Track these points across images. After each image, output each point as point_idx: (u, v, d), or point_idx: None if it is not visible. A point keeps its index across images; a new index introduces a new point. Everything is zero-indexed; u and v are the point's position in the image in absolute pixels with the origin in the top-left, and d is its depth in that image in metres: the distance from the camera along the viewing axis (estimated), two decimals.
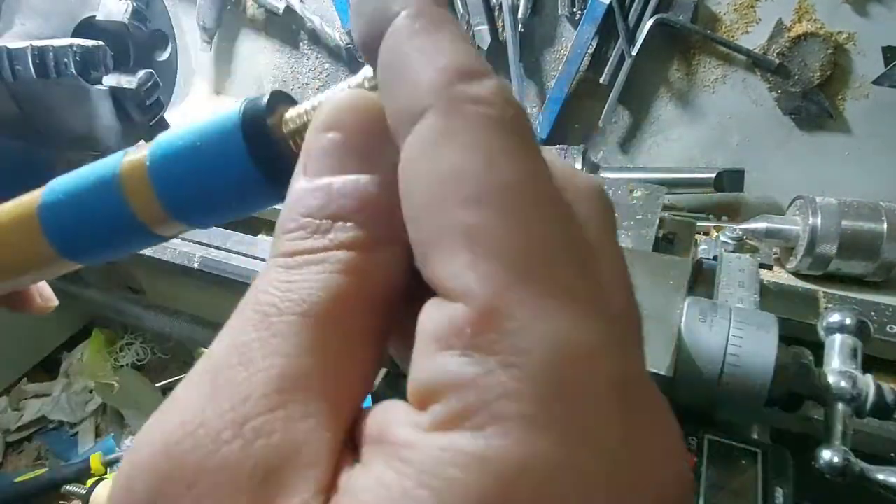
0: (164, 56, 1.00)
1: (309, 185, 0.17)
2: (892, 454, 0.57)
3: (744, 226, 0.80)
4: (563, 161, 0.18)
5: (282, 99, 0.23)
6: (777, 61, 0.86)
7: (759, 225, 0.80)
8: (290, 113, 0.22)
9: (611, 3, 0.88)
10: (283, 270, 0.16)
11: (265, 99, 0.22)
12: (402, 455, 0.13)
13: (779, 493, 0.43)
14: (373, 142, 0.18)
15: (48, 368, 1.24)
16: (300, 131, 0.21)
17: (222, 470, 0.14)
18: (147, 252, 0.87)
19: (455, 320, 0.13)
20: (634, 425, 0.13)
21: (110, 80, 0.86)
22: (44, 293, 0.41)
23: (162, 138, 0.23)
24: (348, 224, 0.17)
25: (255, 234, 0.93)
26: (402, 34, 0.16)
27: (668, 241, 0.65)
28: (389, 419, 0.14)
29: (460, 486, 0.12)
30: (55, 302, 0.41)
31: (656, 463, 0.13)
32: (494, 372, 0.13)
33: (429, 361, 0.14)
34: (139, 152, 0.24)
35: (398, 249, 0.17)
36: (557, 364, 0.13)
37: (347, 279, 0.16)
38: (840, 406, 0.47)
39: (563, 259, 0.14)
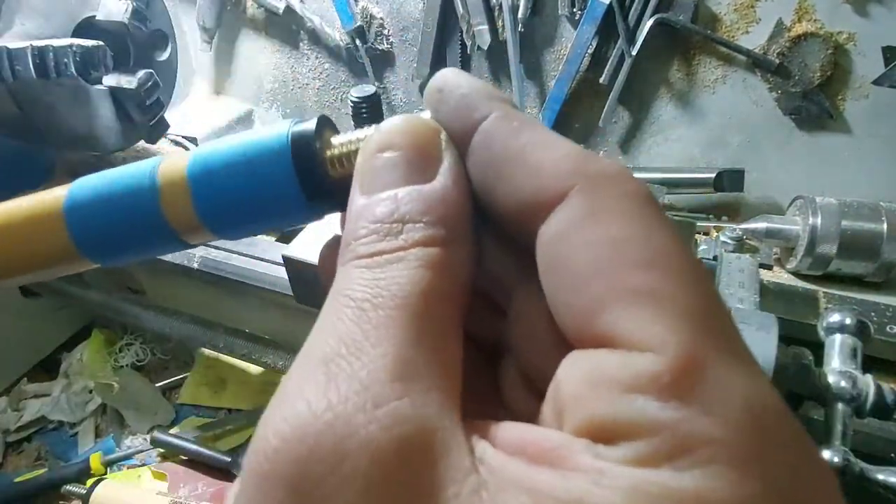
0: (164, 56, 1.00)
1: (370, 199, 0.19)
2: (893, 454, 0.57)
3: (744, 226, 0.80)
4: None
5: (325, 124, 0.23)
6: (777, 61, 0.86)
7: (759, 225, 0.80)
8: (338, 139, 0.23)
9: (611, 4, 0.88)
10: (365, 270, 0.18)
11: (314, 123, 0.23)
12: (593, 479, 0.14)
13: None
14: (427, 157, 0.20)
15: (48, 369, 1.24)
16: (344, 157, 0.23)
17: (366, 451, 0.15)
18: None
19: (649, 368, 0.15)
20: (817, 473, 0.15)
21: (110, 80, 0.86)
22: None
23: (203, 150, 0.24)
24: (418, 225, 0.18)
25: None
26: (505, 132, 0.19)
27: None
28: (551, 441, 0.15)
29: None
30: None
31: None
32: (697, 419, 0.14)
33: (617, 402, 0.15)
34: (178, 161, 0.24)
35: (466, 248, 0.19)
36: (757, 416, 0.14)
37: (430, 273, 0.18)
38: (840, 406, 0.47)
39: (727, 316, 0.16)
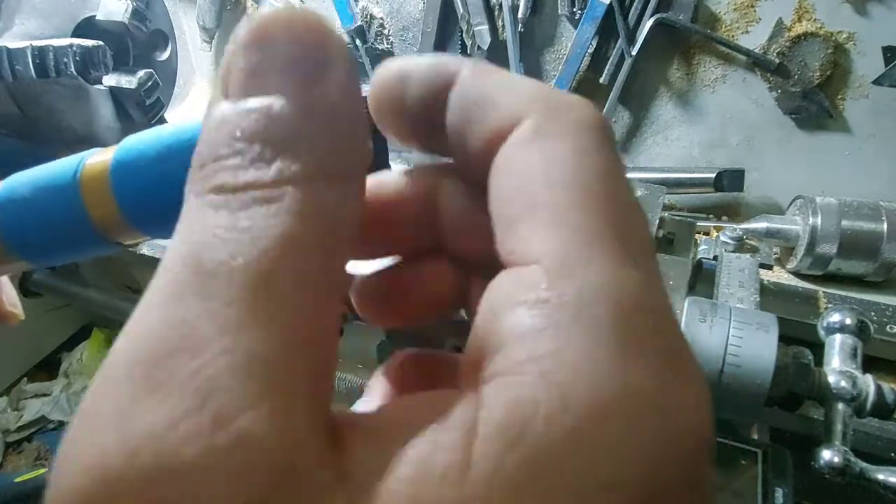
0: (164, 56, 1.00)
1: (237, 106, 0.14)
2: (893, 454, 0.57)
3: (744, 226, 0.80)
4: None
5: None
6: (777, 61, 0.86)
7: (759, 225, 0.80)
8: None
9: (611, 3, 0.88)
10: (225, 213, 0.13)
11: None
12: (468, 417, 0.13)
13: (779, 493, 0.43)
14: (315, 59, 0.15)
15: (48, 368, 1.24)
16: None
17: (199, 492, 0.11)
18: (147, 252, 0.87)
19: (530, 279, 0.14)
20: (682, 371, 0.14)
21: (110, 79, 0.86)
22: (10, 297, 0.36)
23: (128, 143, 0.22)
24: (303, 146, 0.14)
25: None
26: (478, 75, 0.18)
27: (668, 242, 0.65)
28: (446, 396, 0.14)
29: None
30: (20, 311, 0.37)
31: (691, 406, 0.14)
32: (566, 326, 0.13)
33: (503, 319, 0.14)
34: (103, 155, 0.22)
35: (354, 188, 0.15)
36: (624, 322, 0.13)
37: (305, 222, 0.13)
38: (840, 406, 0.47)
39: (632, 235, 0.15)
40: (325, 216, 0.14)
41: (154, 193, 0.21)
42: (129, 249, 0.25)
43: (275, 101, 0.14)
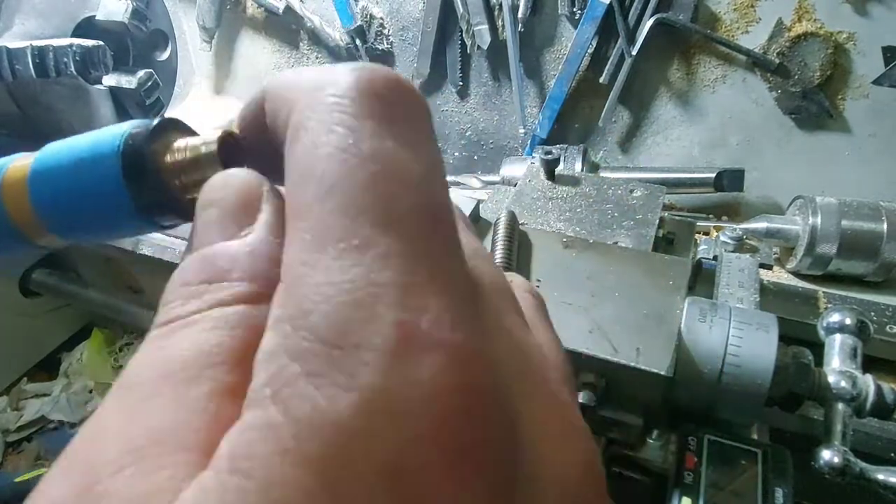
0: (164, 56, 1.00)
1: (188, 259, 0.18)
2: (893, 454, 0.57)
3: (744, 226, 0.80)
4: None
5: (171, 126, 0.22)
6: (777, 61, 0.86)
7: (759, 225, 0.80)
8: (179, 143, 0.21)
9: (611, 3, 0.88)
10: (158, 340, 0.16)
11: (152, 124, 0.21)
12: None
13: (779, 493, 0.43)
14: (244, 211, 0.18)
15: (48, 368, 1.24)
16: (182, 165, 0.21)
17: None
18: (147, 252, 0.86)
19: (276, 297, 0.15)
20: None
21: (110, 79, 0.86)
22: None
23: (49, 149, 0.22)
24: (223, 284, 0.17)
25: None
26: (272, 85, 0.18)
27: (668, 241, 0.65)
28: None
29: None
30: None
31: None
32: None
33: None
34: (27, 159, 0.23)
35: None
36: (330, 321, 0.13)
37: (222, 333, 0.16)
38: (840, 406, 0.47)
39: (364, 218, 0.14)
40: (243, 327, 0.16)
41: (69, 204, 0.22)
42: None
43: (208, 249, 0.17)
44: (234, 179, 0.19)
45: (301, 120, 0.16)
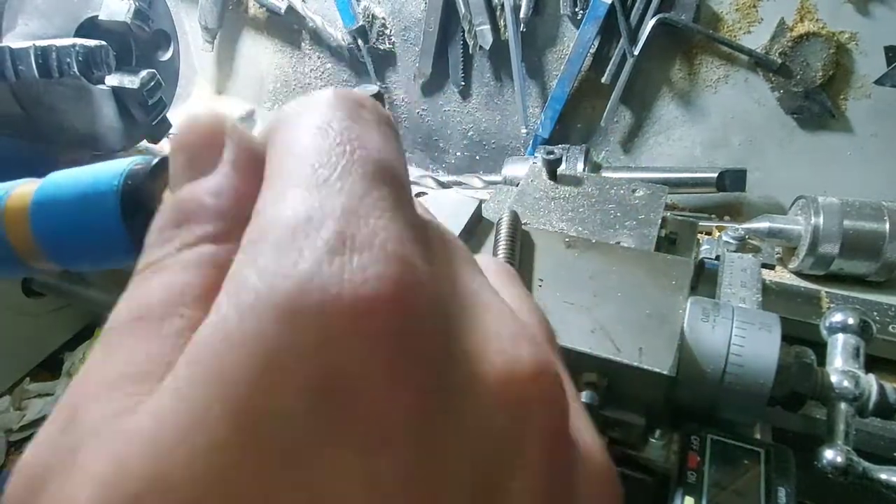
0: (167, 56, 1.01)
1: (164, 203, 0.19)
2: (895, 454, 0.57)
3: (746, 225, 0.80)
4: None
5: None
6: (779, 61, 0.86)
7: (762, 225, 0.80)
8: None
9: (613, 3, 0.88)
10: (133, 286, 0.17)
11: (153, 163, 0.22)
12: None
13: (781, 493, 0.43)
14: (208, 151, 0.19)
15: (50, 368, 1.24)
16: None
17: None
18: None
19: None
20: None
21: (113, 79, 0.86)
22: None
23: (51, 180, 0.23)
24: (191, 225, 0.17)
25: None
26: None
27: (671, 241, 0.65)
28: None
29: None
30: None
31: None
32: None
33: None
34: (30, 186, 0.24)
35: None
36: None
37: (191, 274, 0.16)
38: (843, 405, 0.47)
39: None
40: (212, 267, 0.17)
41: (68, 235, 0.23)
42: None
43: (175, 194, 0.18)
44: (196, 121, 0.20)
45: (285, 120, 0.18)
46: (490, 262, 0.23)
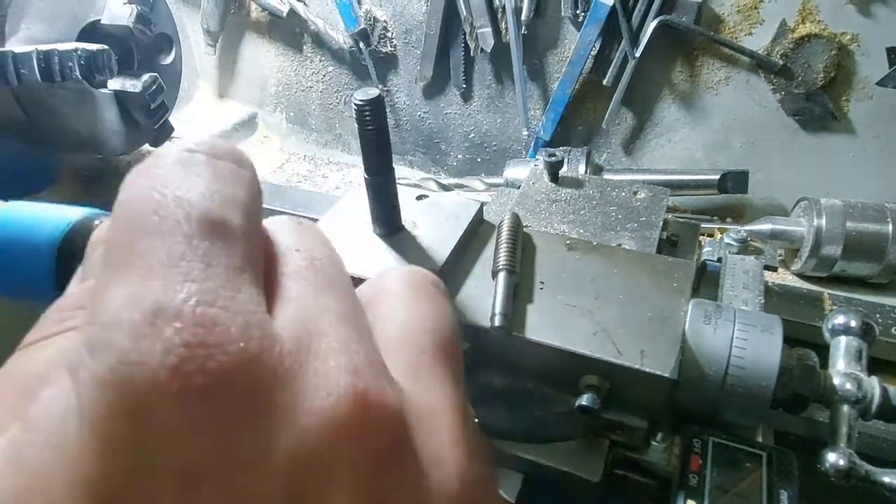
0: (169, 59, 1.01)
1: (75, 288, 0.22)
2: None
3: (748, 227, 0.80)
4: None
5: None
6: (781, 62, 0.86)
7: (764, 226, 0.80)
8: None
9: (614, 5, 0.88)
10: (11, 360, 0.19)
11: (95, 223, 0.22)
12: None
13: (784, 496, 0.42)
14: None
15: None
16: None
17: None
18: None
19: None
20: None
21: (115, 83, 0.87)
22: None
23: None
24: (80, 311, 0.20)
25: None
26: None
27: (672, 244, 0.65)
28: None
29: None
30: None
31: None
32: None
33: None
34: None
35: None
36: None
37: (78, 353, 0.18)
38: (845, 408, 0.47)
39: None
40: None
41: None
42: None
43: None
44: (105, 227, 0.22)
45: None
46: (398, 277, 0.25)
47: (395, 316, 0.23)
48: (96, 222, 0.23)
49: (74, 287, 0.21)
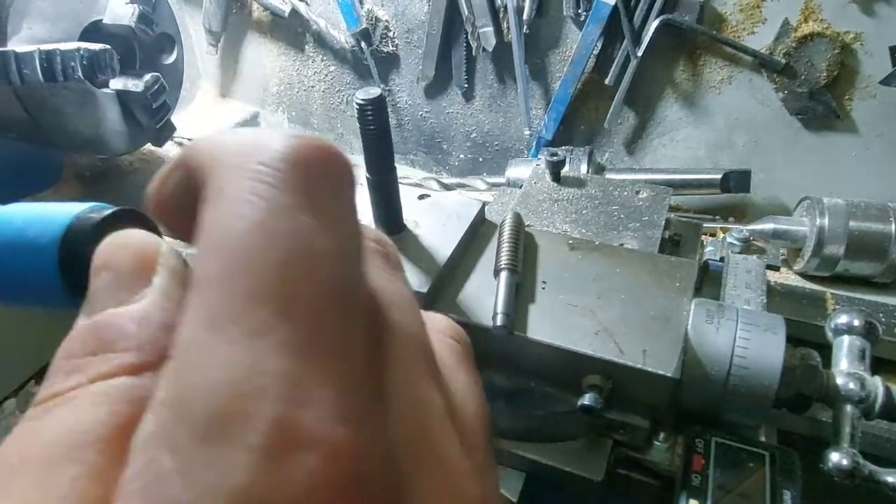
0: (171, 59, 1.01)
1: (75, 328, 0.17)
2: None
3: (750, 227, 0.80)
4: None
5: (125, 218, 0.22)
6: (783, 61, 0.86)
7: (766, 226, 0.80)
8: None
9: (616, 4, 0.88)
10: (29, 420, 0.15)
11: (101, 217, 0.21)
12: None
13: (787, 496, 0.42)
14: (139, 275, 0.18)
15: None
16: None
17: None
18: None
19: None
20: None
21: (117, 83, 0.87)
22: None
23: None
24: (109, 355, 0.16)
25: None
26: (191, 148, 0.18)
27: (675, 243, 0.65)
28: None
29: None
30: None
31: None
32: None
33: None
34: None
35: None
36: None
37: (102, 410, 0.15)
38: (848, 408, 0.47)
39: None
40: (129, 401, 0.15)
41: (1, 277, 0.22)
42: None
43: (95, 318, 0.17)
44: (129, 240, 0.18)
45: (220, 184, 0.15)
46: (444, 339, 0.21)
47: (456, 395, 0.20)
48: (92, 215, 0.22)
49: (82, 321, 0.17)
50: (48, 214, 0.22)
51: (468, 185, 1.07)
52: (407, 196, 0.55)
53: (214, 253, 0.14)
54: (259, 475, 0.12)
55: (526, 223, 0.57)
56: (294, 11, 1.11)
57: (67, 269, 0.21)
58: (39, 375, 1.22)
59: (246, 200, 0.14)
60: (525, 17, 0.95)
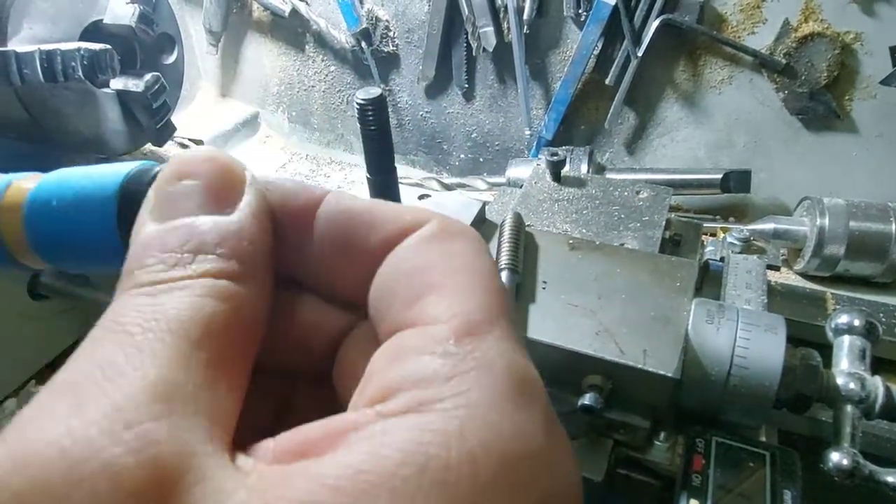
0: (171, 59, 1.01)
1: (163, 226, 0.18)
2: None
3: (751, 227, 0.80)
4: None
5: None
6: (784, 62, 0.86)
7: (767, 226, 0.80)
8: None
9: (616, 4, 0.88)
10: (145, 297, 0.17)
11: (154, 171, 0.22)
12: (376, 440, 0.15)
13: (787, 496, 0.42)
14: (228, 190, 0.19)
15: (56, 370, 1.24)
16: None
17: (105, 475, 0.13)
18: None
19: (437, 333, 0.17)
20: (559, 431, 0.17)
21: (117, 83, 0.87)
22: None
23: (51, 178, 0.23)
24: (210, 256, 0.18)
25: None
26: (348, 196, 0.21)
27: (675, 243, 0.65)
28: (337, 424, 0.16)
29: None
30: None
31: (570, 464, 0.17)
32: (468, 372, 0.16)
33: (409, 363, 0.16)
34: (26, 183, 0.24)
35: (260, 287, 0.19)
36: (513, 379, 0.16)
37: (214, 303, 0.17)
38: (849, 408, 0.47)
39: (506, 308, 0.19)
40: (229, 302, 0.17)
41: (61, 236, 0.23)
42: None
43: (196, 220, 0.18)
44: (216, 155, 0.20)
45: (443, 233, 0.20)
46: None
47: None
48: (156, 170, 0.23)
49: (155, 225, 0.19)
50: (103, 172, 0.22)
51: (468, 185, 1.07)
52: (407, 196, 0.55)
53: (479, 277, 0.19)
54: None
55: (526, 223, 0.57)
56: (294, 11, 1.11)
57: (126, 222, 0.21)
58: (39, 375, 1.22)
59: (481, 250, 0.20)
60: (525, 17, 0.95)
